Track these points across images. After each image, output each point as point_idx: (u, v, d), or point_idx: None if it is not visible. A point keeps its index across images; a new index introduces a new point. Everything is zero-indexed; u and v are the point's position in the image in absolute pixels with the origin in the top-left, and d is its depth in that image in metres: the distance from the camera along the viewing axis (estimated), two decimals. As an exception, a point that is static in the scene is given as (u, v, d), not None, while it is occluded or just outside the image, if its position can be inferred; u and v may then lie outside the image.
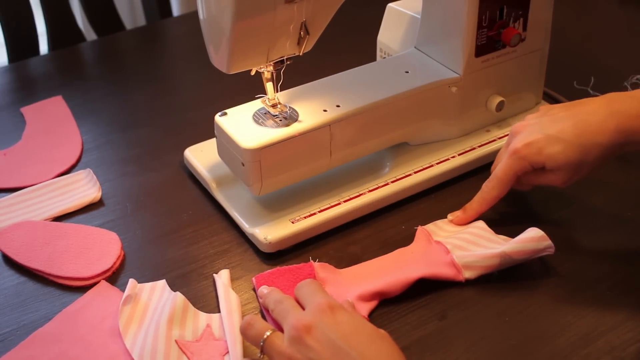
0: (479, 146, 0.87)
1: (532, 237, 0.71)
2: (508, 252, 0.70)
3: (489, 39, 0.84)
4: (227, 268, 0.74)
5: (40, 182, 0.86)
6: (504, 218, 0.79)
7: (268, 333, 0.60)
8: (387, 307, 0.69)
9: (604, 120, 0.70)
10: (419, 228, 0.77)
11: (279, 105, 0.78)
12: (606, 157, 0.71)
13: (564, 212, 0.80)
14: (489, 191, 0.76)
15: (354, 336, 0.57)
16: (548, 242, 0.70)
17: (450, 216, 0.78)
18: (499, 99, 0.87)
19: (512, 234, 0.73)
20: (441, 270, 0.71)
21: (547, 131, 0.72)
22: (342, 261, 0.74)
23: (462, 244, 0.73)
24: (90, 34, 1.30)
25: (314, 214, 0.77)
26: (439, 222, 0.78)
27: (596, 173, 0.73)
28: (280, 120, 0.77)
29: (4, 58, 1.21)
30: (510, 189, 0.76)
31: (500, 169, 0.75)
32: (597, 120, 0.70)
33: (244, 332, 0.62)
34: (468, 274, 0.70)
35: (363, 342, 0.57)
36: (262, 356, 0.61)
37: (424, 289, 0.70)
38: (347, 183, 0.82)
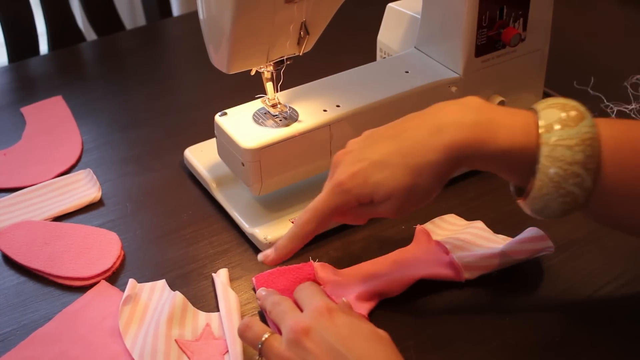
0: (479, 146, 0.87)
1: (532, 237, 0.71)
2: (508, 252, 0.70)
3: (489, 39, 0.84)
4: (227, 268, 0.74)
5: (40, 182, 0.86)
6: (504, 218, 0.79)
7: (266, 336, 0.60)
8: (387, 307, 0.69)
9: (430, 135, 0.60)
10: (418, 227, 0.77)
11: (279, 105, 0.78)
12: (441, 177, 0.61)
13: (564, 212, 0.80)
14: (302, 225, 0.65)
15: (352, 339, 0.57)
16: (548, 241, 0.70)
17: (261, 256, 0.67)
18: (499, 99, 0.87)
19: (512, 234, 0.73)
20: (441, 270, 0.71)
21: (370, 157, 0.62)
22: (342, 261, 0.74)
23: (462, 244, 0.73)
24: (90, 34, 1.30)
25: (314, 214, 0.77)
26: (437, 220, 0.78)
27: (434, 201, 0.64)
28: (280, 120, 0.77)
29: (4, 58, 1.21)
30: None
31: (318, 201, 0.64)
32: (422, 136, 0.61)
33: (242, 334, 0.62)
34: (468, 275, 0.70)
35: (361, 345, 0.57)
36: (259, 359, 0.60)
37: (424, 289, 0.70)
38: (347, 183, 0.82)
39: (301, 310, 0.62)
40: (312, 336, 0.57)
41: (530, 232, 0.71)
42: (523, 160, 0.59)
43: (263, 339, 0.59)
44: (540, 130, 0.59)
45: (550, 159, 0.58)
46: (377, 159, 0.62)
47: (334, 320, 0.58)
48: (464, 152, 0.60)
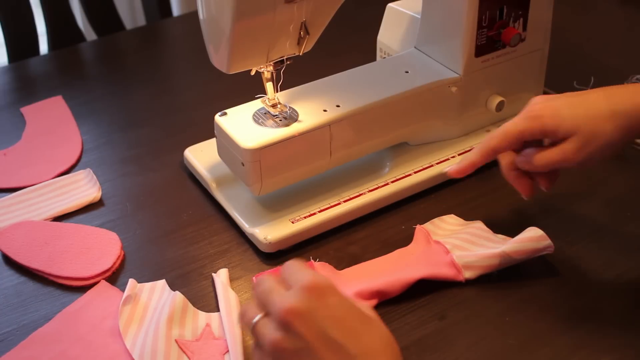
0: (479, 146, 0.87)
1: (532, 237, 0.71)
2: (508, 252, 0.70)
3: (489, 39, 0.84)
4: (227, 268, 0.74)
5: (40, 182, 0.86)
6: (504, 218, 0.79)
7: (257, 318, 0.55)
8: (387, 307, 0.69)
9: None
10: (418, 227, 0.77)
11: (279, 105, 0.78)
12: (629, 130, 0.67)
13: (564, 211, 0.80)
14: (487, 140, 0.72)
15: (345, 322, 0.53)
16: (548, 241, 0.70)
17: (447, 169, 0.75)
18: (499, 99, 0.87)
19: (512, 234, 0.73)
20: (441, 270, 0.71)
21: (570, 96, 0.69)
22: (342, 261, 0.74)
23: (462, 244, 0.73)
24: (90, 34, 1.30)
25: (314, 214, 0.77)
26: (436, 221, 0.78)
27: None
28: (280, 120, 0.77)
29: (4, 58, 1.21)
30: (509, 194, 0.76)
31: (509, 123, 0.71)
32: (630, 90, 0.68)
33: (241, 319, 0.57)
34: (468, 274, 0.70)
35: (355, 329, 0.54)
36: (254, 343, 0.57)
37: (424, 289, 0.70)
38: (347, 183, 0.82)
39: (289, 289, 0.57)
40: (303, 319, 0.53)
41: (530, 232, 0.71)
42: None
43: (253, 322, 0.55)
44: None
45: None
46: (575, 98, 0.68)
47: (325, 300, 0.54)
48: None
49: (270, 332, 0.54)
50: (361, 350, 0.52)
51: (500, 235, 0.75)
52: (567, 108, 0.68)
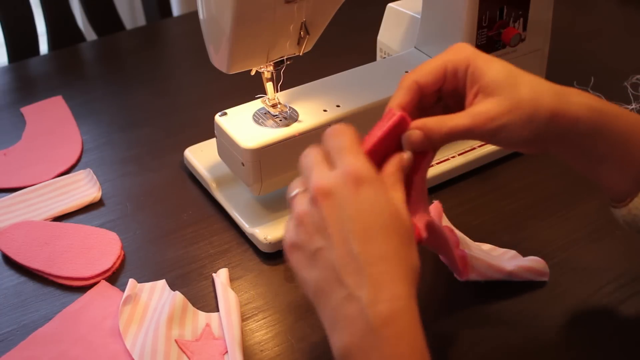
0: (479, 146, 0.87)
1: (537, 269, 0.71)
2: (511, 272, 0.70)
3: (489, 39, 0.84)
4: (227, 268, 0.74)
5: (40, 182, 0.86)
6: (504, 218, 0.79)
7: (295, 192, 0.55)
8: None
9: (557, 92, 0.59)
10: (435, 203, 0.74)
11: (279, 105, 0.78)
12: (553, 119, 0.57)
13: (564, 211, 0.80)
14: (408, 74, 0.62)
15: (366, 220, 0.51)
16: (547, 274, 0.71)
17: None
18: (499, 99, 0.87)
19: (513, 234, 0.73)
20: (451, 256, 0.68)
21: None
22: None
23: (469, 243, 0.71)
24: (90, 34, 1.30)
25: (314, 214, 0.77)
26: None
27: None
28: (280, 120, 0.77)
29: (4, 58, 1.21)
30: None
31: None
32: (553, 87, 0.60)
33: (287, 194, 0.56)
34: (473, 276, 0.70)
35: (373, 230, 0.51)
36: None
37: (424, 288, 0.70)
38: (347, 183, 0.82)
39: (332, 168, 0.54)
40: (331, 202, 0.52)
41: (536, 263, 0.71)
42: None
43: (292, 194, 0.56)
44: None
45: None
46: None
47: (359, 191, 0.52)
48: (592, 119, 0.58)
49: (301, 204, 0.54)
50: (366, 252, 0.50)
51: (501, 249, 0.74)
52: (501, 63, 0.59)
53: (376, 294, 0.49)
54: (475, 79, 0.58)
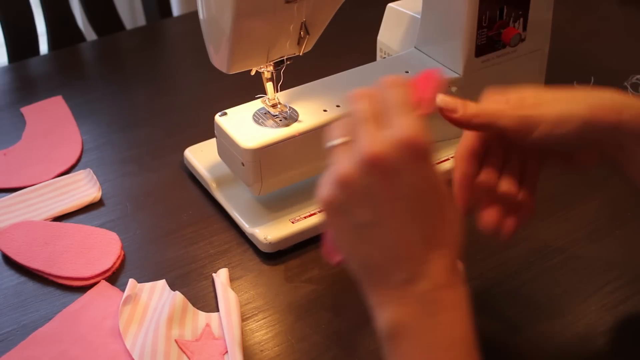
0: (479, 146, 0.87)
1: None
2: None
3: (489, 39, 0.84)
4: (227, 268, 0.74)
5: (40, 182, 0.86)
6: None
7: (338, 141, 0.50)
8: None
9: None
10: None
11: (279, 105, 0.78)
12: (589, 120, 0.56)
13: (564, 211, 0.80)
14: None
15: (426, 200, 0.49)
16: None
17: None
18: (499, 99, 0.87)
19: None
20: None
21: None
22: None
23: None
24: (90, 34, 1.30)
25: (314, 214, 0.77)
26: None
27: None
28: (280, 120, 0.77)
29: (4, 58, 1.21)
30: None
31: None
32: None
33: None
34: None
35: (432, 220, 0.49)
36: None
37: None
38: (347, 183, 0.82)
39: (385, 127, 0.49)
40: (387, 173, 0.47)
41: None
42: None
43: (334, 143, 0.50)
44: None
45: None
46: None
47: (417, 165, 0.48)
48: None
49: (345, 162, 0.49)
50: (426, 237, 0.49)
51: None
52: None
53: (436, 279, 0.49)
54: None
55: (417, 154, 0.48)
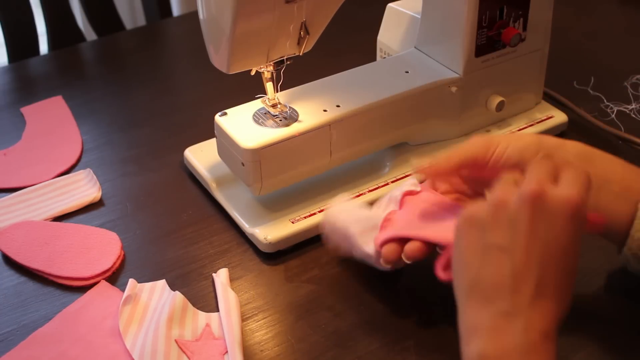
0: (479, 146, 0.87)
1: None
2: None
3: (489, 39, 0.84)
4: (227, 268, 0.74)
5: (40, 182, 0.86)
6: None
7: (508, 179, 0.55)
8: (388, 306, 0.69)
9: None
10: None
11: (279, 105, 0.78)
12: None
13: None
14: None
15: (559, 260, 0.52)
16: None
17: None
18: (499, 99, 0.87)
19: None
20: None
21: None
22: (343, 261, 0.74)
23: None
24: (90, 34, 1.30)
25: (314, 214, 0.77)
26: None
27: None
28: (280, 120, 0.77)
29: (4, 58, 1.21)
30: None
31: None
32: None
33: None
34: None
35: (558, 273, 0.52)
36: None
37: (423, 288, 0.70)
38: (347, 183, 0.82)
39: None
40: (541, 215, 0.52)
41: None
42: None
43: (505, 177, 0.55)
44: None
45: None
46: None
47: (570, 224, 0.52)
48: None
49: (508, 191, 0.53)
50: (545, 284, 0.51)
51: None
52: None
53: (535, 325, 0.51)
54: None
55: (574, 215, 0.52)
